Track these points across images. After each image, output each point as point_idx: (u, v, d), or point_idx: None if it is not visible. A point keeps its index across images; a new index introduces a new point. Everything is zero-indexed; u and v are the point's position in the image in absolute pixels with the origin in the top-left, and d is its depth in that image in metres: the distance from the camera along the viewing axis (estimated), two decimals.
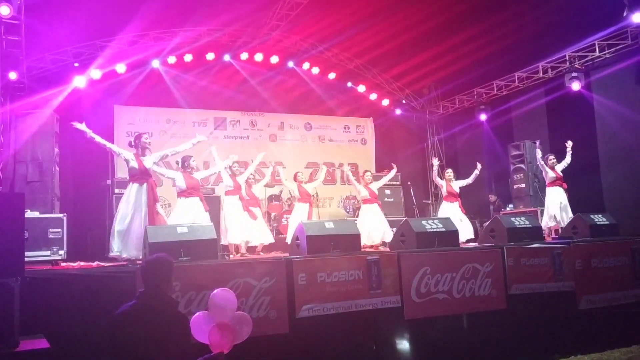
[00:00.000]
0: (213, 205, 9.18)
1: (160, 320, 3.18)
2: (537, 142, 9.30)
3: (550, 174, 8.96)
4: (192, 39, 11.39)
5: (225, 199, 8.30)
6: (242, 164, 8.99)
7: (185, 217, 6.71)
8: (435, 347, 5.70)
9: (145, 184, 6.25)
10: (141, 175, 6.29)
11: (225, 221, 8.09)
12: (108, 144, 6.41)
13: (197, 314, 3.86)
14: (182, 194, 6.99)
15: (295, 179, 9.49)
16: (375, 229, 8.61)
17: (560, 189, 8.87)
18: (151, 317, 3.18)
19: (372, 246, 8.52)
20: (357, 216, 11.63)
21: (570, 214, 8.61)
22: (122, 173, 10.53)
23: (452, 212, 8.81)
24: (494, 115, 12.64)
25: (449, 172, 9.32)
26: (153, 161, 6.46)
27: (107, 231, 9.31)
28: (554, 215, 8.75)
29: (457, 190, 9.21)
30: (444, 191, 9.29)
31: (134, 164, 6.31)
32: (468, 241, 8.62)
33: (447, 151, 14.15)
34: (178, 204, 7.05)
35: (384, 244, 8.66)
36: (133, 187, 6.26)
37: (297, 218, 8.64)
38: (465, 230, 8.69)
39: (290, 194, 11.08)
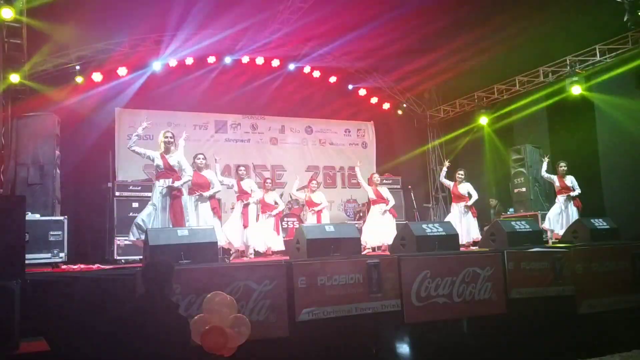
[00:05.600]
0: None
1: (160, 323, 3.19)
2: (546, 158, 9.32)
3: (556, 183, 9.08)
4: (193, 42, 11.41)
5: (236, 205, 8.33)
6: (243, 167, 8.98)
7: (190, 213, 6.76)
8: (435, 351, 5.69)
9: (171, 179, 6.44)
10: (166, 172, 6.50)
11: (230, 225, 8.12)
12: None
13: (196, 316, 3.87)
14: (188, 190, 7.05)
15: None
16: (381, 230, 8.71)
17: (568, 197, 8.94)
18: (152, 319, 3.19)
19: (380, 247, 8.67)
20: (358, 220, 11.66)
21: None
22: (122, 176, 10.57)
23: (457, 212, 9.11)
24: (494, 119, 12.64)
25: (461, 174, 9.36)
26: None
27: (108, 234, 9.36)
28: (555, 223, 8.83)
29: (464, 193, 9.23)
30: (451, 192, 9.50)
31: (158, 162, 6.49)
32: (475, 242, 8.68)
33: (448, 155, 14.13)
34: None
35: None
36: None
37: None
38: (470, 231, 8.85)
39: (290, 197, 11.09)
